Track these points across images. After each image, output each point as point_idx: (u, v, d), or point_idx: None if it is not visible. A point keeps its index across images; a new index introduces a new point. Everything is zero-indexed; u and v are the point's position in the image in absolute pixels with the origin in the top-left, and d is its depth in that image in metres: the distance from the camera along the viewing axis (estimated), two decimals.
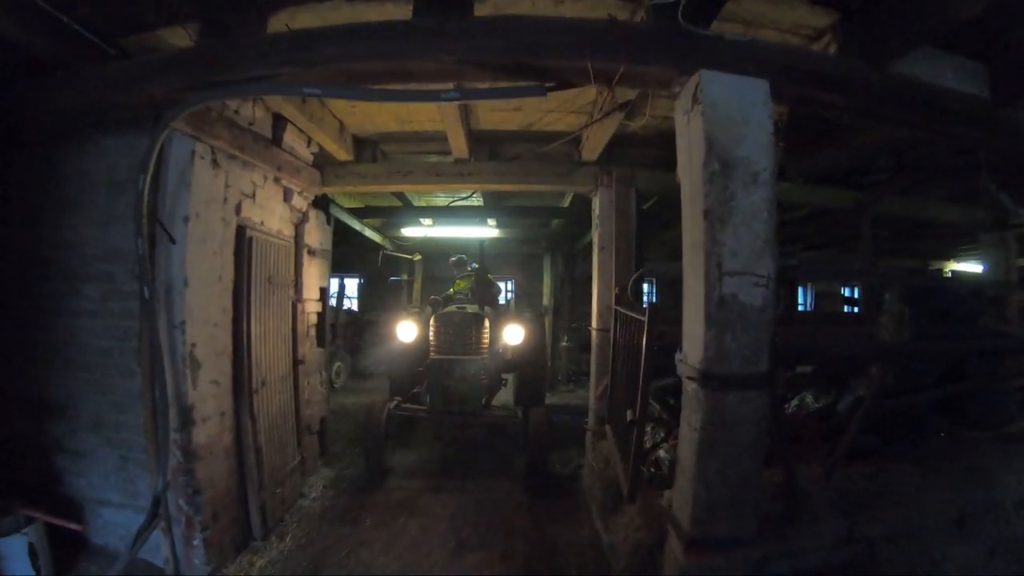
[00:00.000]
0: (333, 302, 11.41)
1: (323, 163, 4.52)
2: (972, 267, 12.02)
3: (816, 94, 2.70)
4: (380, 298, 12.10)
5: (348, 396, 8.47)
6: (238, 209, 3.55)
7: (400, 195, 6.05)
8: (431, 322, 4.67)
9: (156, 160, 3.00)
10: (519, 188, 4.38)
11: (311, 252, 4.48)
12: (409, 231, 7.67)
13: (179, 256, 3.06)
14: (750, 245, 2.11)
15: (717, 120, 2.20)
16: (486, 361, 4.50)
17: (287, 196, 4.20)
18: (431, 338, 4.62)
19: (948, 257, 14.15)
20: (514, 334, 5.07)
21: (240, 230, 3.55)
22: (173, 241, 3.05)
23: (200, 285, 3.19)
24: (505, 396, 5.87)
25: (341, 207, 5.49)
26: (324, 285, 4.75)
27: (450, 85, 2.34)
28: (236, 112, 3.58)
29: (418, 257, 8.88)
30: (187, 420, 3.15)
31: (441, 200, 6.57)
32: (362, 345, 10.28)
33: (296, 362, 4.31)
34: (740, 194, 2.14)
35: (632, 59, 2.20)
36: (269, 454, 3.87)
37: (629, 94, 3.08)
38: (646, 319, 2.53)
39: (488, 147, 4.34)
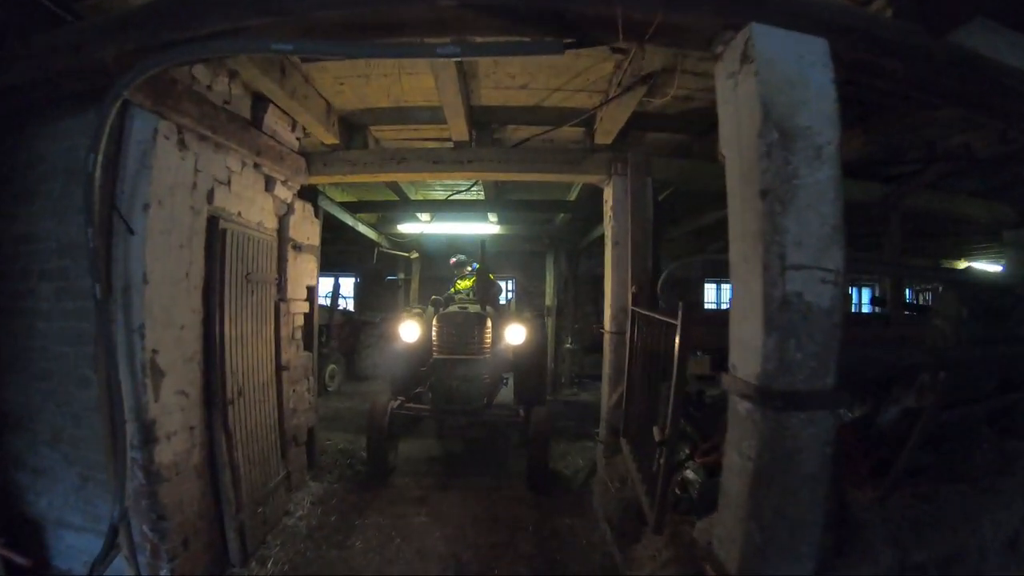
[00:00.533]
0: (327, 302, 11.03)
1: (310, 151, 4.13)
2: (987, 266, 11.67)
3: (875, 60, 2.32)
4: (377, 298, 11.73)
5: (342, 400, 8.06)
6: (210, 197, 3.16)
7: (396, 188, 5.66)
8: (434, 322, 4.61)
9: (113, 139, 2.63)
10: (524, 178, 3.98)
11: (297, 247, 4.09)
12: (406, 227, 7.28)
13: (138, 249, 2.67)
14: (817, 233, 1.73)
15: (773, 82, 1.81)
16: (488, 360, 4.50)
17: (269, 185, 3.81)
18: (434, 338, 4.56)
19: (960, 256, 13.82)
20: (516, 334, 5.01)
21: (212, 221, 3.16)
22: (131, 232, 2.66)
23: (163, 282, 2.80)
24: (507, 398, 5.77)
25: (332, 200, 5.09)
26: (312, 283, 4.36)
27: (447, 39, 1.95)
28: (209, 88, 3.19)
29: (415, 255, 8.48)
30: (149, 437, 2.77)
31: (439, 193, 6.18)
32: (358, 347, 9.88)
33: (279, 368, 3.92)
34: (804, 171, 1.75)
35: (670, 6, 1.81)
36: (248, 471, 3.48)
37: (654, 62, 2.69)
38: (679, 322, 2.14)
39: (490, 132, 3.94)
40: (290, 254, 4.01)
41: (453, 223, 7.39)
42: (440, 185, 5.95)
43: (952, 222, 7.51)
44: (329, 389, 8.51)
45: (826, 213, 1.75)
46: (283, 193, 3.96)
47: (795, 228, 1.70)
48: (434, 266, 11.69)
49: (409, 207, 5.80)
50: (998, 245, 8.49)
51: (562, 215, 6.86)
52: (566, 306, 8.64)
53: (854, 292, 14.71)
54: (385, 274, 10.78)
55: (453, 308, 4.83)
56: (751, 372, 1.77)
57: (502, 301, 7.08)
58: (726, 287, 13.84)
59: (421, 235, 7.16)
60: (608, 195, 3.86)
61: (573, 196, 5.70)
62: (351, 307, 12.24)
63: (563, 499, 4.26)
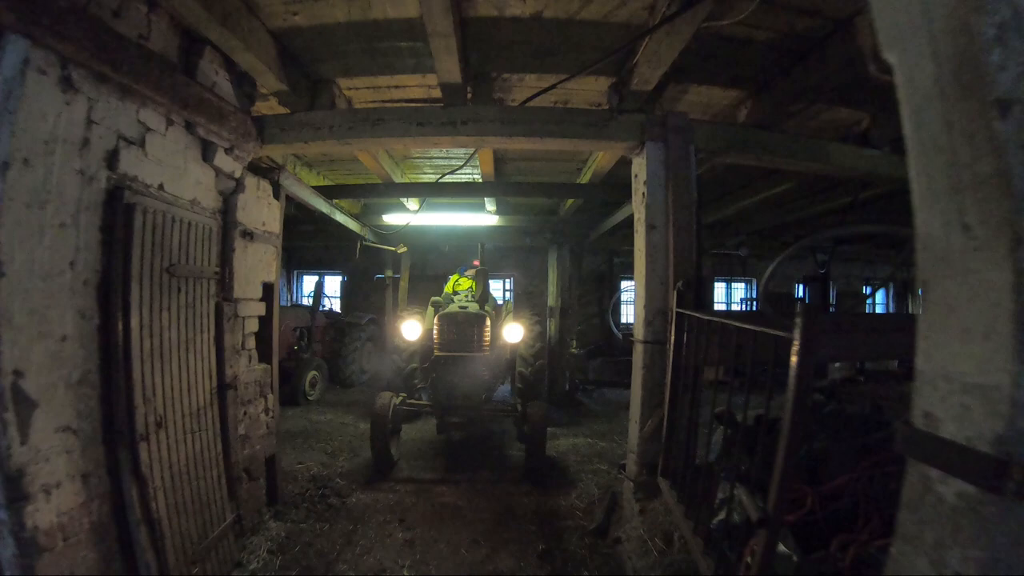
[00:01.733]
0: (306, 301, 10.21)
1: (265, 116, 3.30)
2: None
3: None
4: (365, 298, 10.89)
5: (323, 411, 7.22)
6: (111, 160, 2.33)
7: (385, 175, 4.84)
8: (435, 320, 4.71)
9: None
10: (532, 146, 3.16)
11: (247, 234, 3.25)
12: (392, 218, 6.45)
13: None
14: None
15: None
16: (488, 358, 4.64)
17: (208, 152, 2.98)
18: (435, 336, 4.66)
19: None
20: (514, 333, 5.16)
21: (115, 193, 2.33)
22: None
23: (30, 275, 1.97)
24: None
25: (300, 181, 4.25)
26: (270, 279, 3.52)
27: None
28: (116, 15, 2.37)
29: (403, 249, 7.61)
30: (16, 493, 1.96)
31: (429, 176, 5.35)
32: (343, 351, 9.03)
33: (222, 386, 3.09)
34: None
35: None
36: (176, 524, 2.66)
37: None
38: (800, 331, 1.34)
39: (490, 85, 3.11)
40: (238, 243, 3.17)
41: (445, 214, 6.56)
42: (430, 166, 5.13)
43: None
44: (310, 398, 7.67)
45: None
46: (228, 165, 3.13)
47: None
48: (427, 263, 10.88)
49: (394, 192, 4.98)
50: None
51: (571, 202, 6.04)
52: (571, 307, 7.82)
53: (867, 291, 13.96)
54: (370, 270, 9.93)
55: (453, 307, 4.86)
56: (979, 430, 0.97)
57: (499, 301, 6.90)
58: (738, 286, 13.06)
59: (408, 227, 6.32)
60: (639, 167, 3.05)
61: (585, 177, 4.89)
62: (338, 308, 11.41)
63: (579, 544, 3.45)
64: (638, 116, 2.99)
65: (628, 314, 11.88)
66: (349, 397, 8.27)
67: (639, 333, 2.94)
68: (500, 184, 5.17)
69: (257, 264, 3.35)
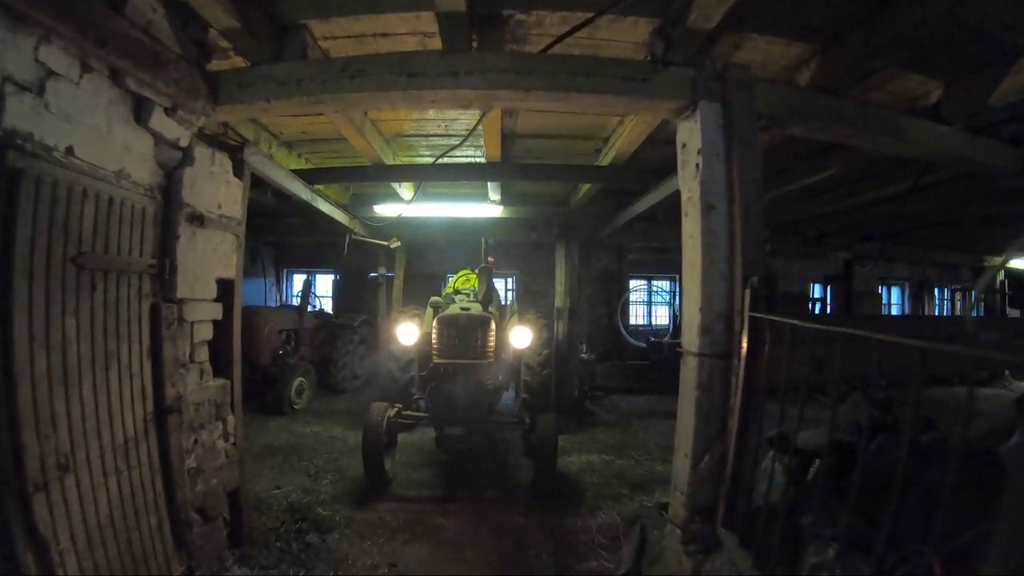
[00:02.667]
0: (297, 302, 9.56)
1: (221, 71, 2.66)
2: None
3: None
4: (359, 298, 10.16)
5: (310, 422, 6.57)
6: None
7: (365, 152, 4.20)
8: (434, 324, 4.31)
9: None
10: (554, 106, 2.53)
11: (196, 218, 2.61)
12: (384, 208, 5.79)
13: None
14: None
15: None
16: (492, 366, 4.27)
17: (142, 111, 2.34)
18: (434, 341, 4.26)
19: (1001, 252, 12.52)
20: (521, 337, 4.69)
21: None
22: None
23: None
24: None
25: (272, 159, 3.60)
26: (228, 275, 2.87)
27: None
28: None
29: (396, 243, 6.92)
30: None
31: (425, 158, 4.70)
32: (334, 354, 8.39)
33: (163, 411, 2.45)
34: None
35: None
36: None
37: None
38: None
39: (500, 27, 2.46)
40: (184, 228, 2.53)
41: (443, 204, 5.92)
42: (426, 146, 4.49)
43: None
44: (296, 407, 7.02)
45: None
46: (171, 129, 2.49)
47: None
48: (424, 261, 10.22)
49: (384, 175, 4.34)
50: None
51: (585, 190, 5.38)
52: (580, 308, 7.21)
53: (883, 291, 13.34)
54: (360, 267, 9.25)
55: (454, 309, 4.42)
56: None
57: (503, 301, 6.59)
58: None
59: (401, 218, 5.67)
60: (689, 134, 2.41)
61: (607, 159, 4.25)
62: (329, 308, 10.75)
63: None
64: (688, 70, 2.36)
65: (637, 315, 11.25)
66: (339, 405, 7.61)
67: (691, 343, 2.30)
68: (508, 166, 4.52)
69: (210, 256, 2.70)
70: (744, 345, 1.96)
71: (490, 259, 5.59)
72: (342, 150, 4.45)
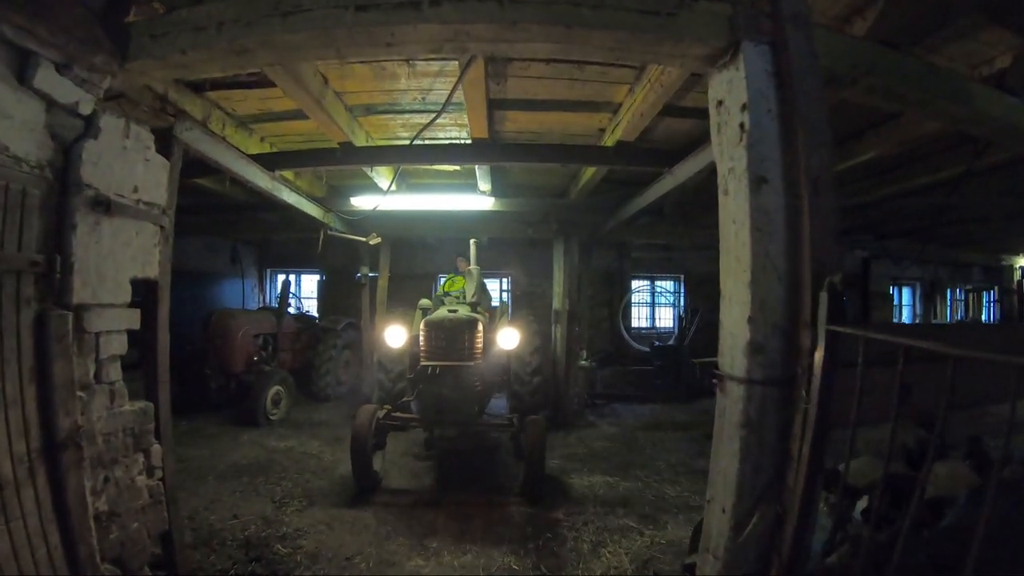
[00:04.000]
0: (276, 303, 9.02)
1: (133, 24, 2.12)
2: None
3: None
4: (345, 299, 9.60)
5: (286, 435, 6.03)
6: None
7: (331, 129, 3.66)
8: (421, 326, 4.34)
9: None
10: (548, 48, 1.93)
11: (102, 204, 2.07)
12: (361, 201, 5.24)
13: None
14: None
15: None
16: (480, 368, 4.29)
17: (26, 68, 1.81)
18: (421, 343, 4.28)
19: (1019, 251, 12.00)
20: (509, 338, 4.70)
21: None
22: None
23: None
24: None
25: (215, 135, 3.06)
26: (150, 275, 2.33)
27: None
28: None
29: (376, 240, 6.36)
30: None
31: (403, 139, 4.14)
32: (316, 360, 7.85)
33: (54, 446, 1.92)
34: None
35: None
36: None
37: None
38: None
39: None
40: (84, 216, 2.00)
41: (427, 196, 5.37)
42: (402, 125, 3.93)
43: None
44: (272, 417, 6.49)
45: None
46: (67, 92, 1.96)
47: None
48: (413, 260, 9.67)
49: (353, 157, 3.77)
50: None
51: (588, 175, 4.80)
52: (580, 310, 6.69)
53: (894, 292, 12.78)
54: (355, 271, 8.70)
55: (442, 311, 4.46)
56: None
57: (495, 303, 6.24)
58: None
59: (379, 211, 5.09)
60: (728, 86, 1.85)
61: (612, 138, 3.71)
62: (315, 311, 10.20)
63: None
64: (723, 5, 1.83)
65: (639, 317, 10.73)
66: (320, 415, 7.08)
67: (734, 364, 1.73)
68: (497, 146, 3.96)
69: (121, 251, 2.16)
70: (818, 369, 1.43)
71: (462, 264, 5.58)
72: (309, 132, 3.91)
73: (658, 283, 10.90)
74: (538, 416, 4.32)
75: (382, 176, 4.63)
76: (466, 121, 3.54)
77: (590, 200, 5.66)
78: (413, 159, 4.06)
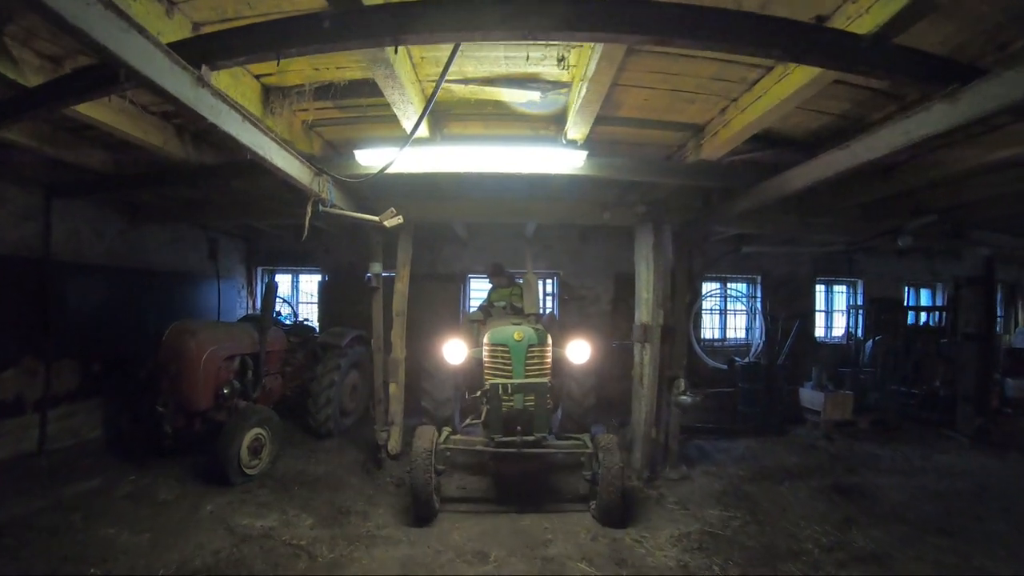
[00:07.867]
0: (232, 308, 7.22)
1: None
2: None
3: None
4: (352, 306, 7.65)
5: (263, 508, 4.25)
6: None
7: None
8: (485, 341, 4.23)
9: None
10: None
11: None
12: (367, 156, 3.29)
13: None
14: None
15: None
16: (551, 384, 4.19)
17: None
18: (486, 360, 4.21)
19: None
20: (579, 352, 4.41)
21: None
22: None
23: None
24: None
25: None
26: None
27: None
28: None
29: (396, 218, 4.14)
30: None
31: None
32: (315, 386, 6.02)
33: None
34: None
35: None
36: None
37: None
38: None
39: None
40: None
41: (476, 147, 3.46)
42: None
43: None
44: (250, 472, 4.67)
45: None
46: None
47: None
48: (437, 256, 7.78)
49: (361, 28, 1.88)
50: None
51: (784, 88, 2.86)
52: (679, 325, 4.82)
53: (908, 292, 10.49)
54: (365, 269, 6.79)
55: (504, 325, 4.33)
56: None
57: (542, 312, 6.07)
58: (839, 288, 9.88)
59: (390, 175, 3.15)
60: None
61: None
62: (315, 320, 8.34)
63: None
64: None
65: (711, 327, 8.80)
66: (318, 464, 5.23)
67: None
68: None
69: None
70: None
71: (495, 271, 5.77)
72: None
73: (730, 285, 8.98)
74: (610, 437, 4.01)
75: (410, 104, 2.69)
76: None
77: (718, 170, 3.73)
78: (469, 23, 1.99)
